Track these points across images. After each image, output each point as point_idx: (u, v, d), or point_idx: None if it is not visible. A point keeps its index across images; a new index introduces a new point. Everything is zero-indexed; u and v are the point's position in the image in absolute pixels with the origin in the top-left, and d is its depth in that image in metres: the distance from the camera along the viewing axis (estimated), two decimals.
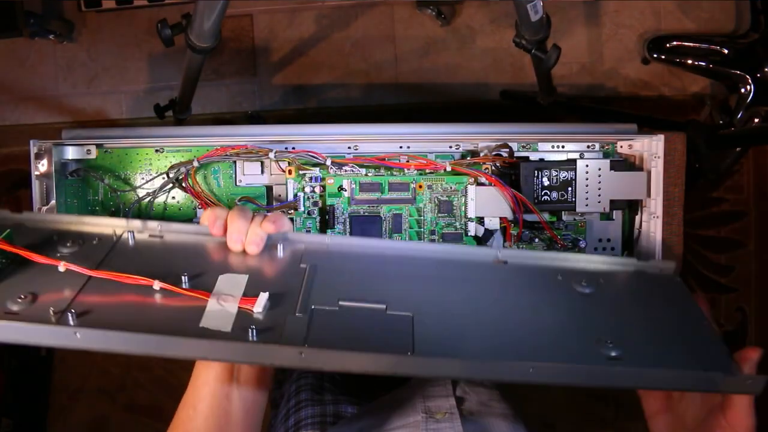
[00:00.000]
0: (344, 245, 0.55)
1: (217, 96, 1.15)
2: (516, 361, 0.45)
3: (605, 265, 0.56)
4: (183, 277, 0.49)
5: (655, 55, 1.12)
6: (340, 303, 0.49)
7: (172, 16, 0.79)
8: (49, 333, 0.45)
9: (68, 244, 0.51)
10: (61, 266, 0.47)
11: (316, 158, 0.66)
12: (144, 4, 1.11)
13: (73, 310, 0.46)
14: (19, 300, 0.47)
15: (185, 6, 1.07)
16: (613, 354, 0.47)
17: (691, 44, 1.11)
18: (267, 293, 0.48)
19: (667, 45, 1.11)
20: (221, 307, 0.47)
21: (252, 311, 0.47)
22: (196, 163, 0.66)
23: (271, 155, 0.65)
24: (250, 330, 0.45)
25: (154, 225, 0.54)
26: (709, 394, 0.48)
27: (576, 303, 0.52)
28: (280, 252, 0.53)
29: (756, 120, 1.07)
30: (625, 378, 0.46)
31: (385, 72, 1.14)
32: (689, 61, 1.11)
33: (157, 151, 0.69)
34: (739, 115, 1.09)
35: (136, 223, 0.54)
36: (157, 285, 0.47)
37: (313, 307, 0.48)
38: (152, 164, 0.70)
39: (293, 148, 0.66)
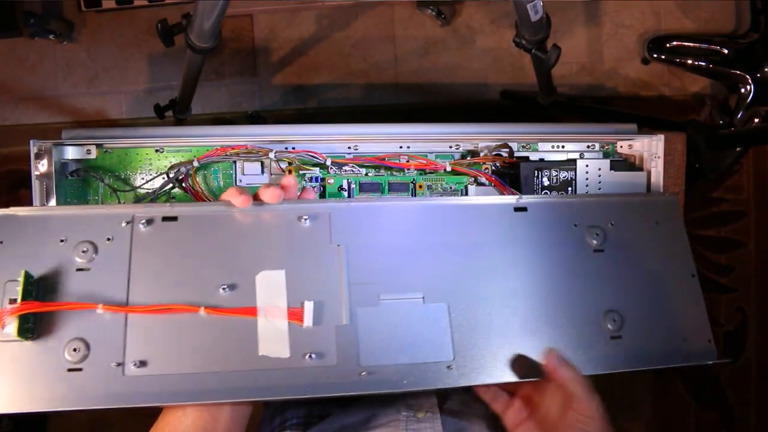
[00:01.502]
0: (368, 207, 0.54)
1: (217, 96, 1.15)
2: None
3: (616, 199, 0.58)
4: (222, 291, 0.48)
5: (655, 55, 1.12)
6: (381, 299, 0.50)
7: (172, 16, 0.79)
8: (120, 392, 0.47)
9: (83, 252, 0.50)
10: (100, 309, 0.47)
11: (316, 158, 0.66)
12: (144, 4, 1.11)
13: (137, 361, 0.47)
14: (74, 351, 0.47)
15: (185, 6, 1.07)
16: (615, 330, 0.52)
17: (691, 44, 1.11)
18: (312, 303, 0.48)
19: (667, 45, 1.11)
20: (272, 325, 0.48)
21: (302, 325, 0.48)
22: (196, 163, 0.66)
23: (271, 155, 0.65)
24: (307, 357, 0.47)
25: (164, 208, 0.52)
26: (564, 391, 0.49)
27: (590, 263, 0.54)
28: (306, 224, 0.52)
29: (756, 120, 1.07)
30: (623, 363, 0.52)
31: (385, 72, 1.14)
32: (689, 61, 1.11)
33: (157, 151, 0.69)
34: (739, 115, 1.09)
35: (146, 209, 0.52)
36: (203, 312, 0.48)
37: (357, 310, 0.49)
38: (152, 164, 0.70)
39: (293, 148, 0.66)
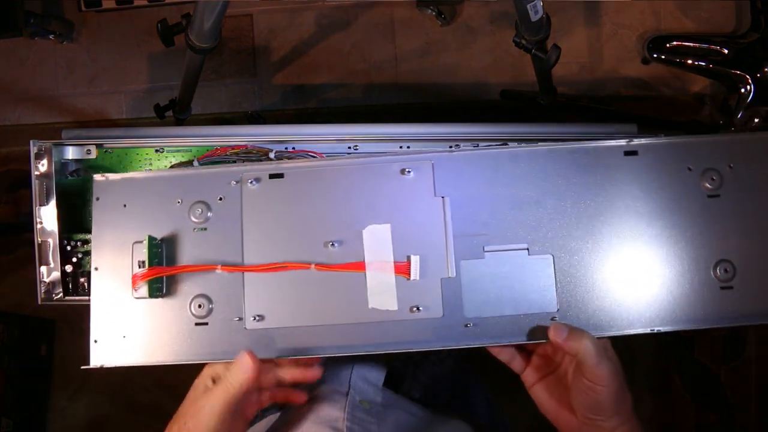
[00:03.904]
0: (471, 155, 0.54)
1: (217, 96, 1.15)
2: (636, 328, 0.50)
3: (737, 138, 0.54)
4: (330, 246, 0.50)
5: (655, 55, 1.12)
6: (486, 251, 0.51)
7: (172, 16, 0.79)
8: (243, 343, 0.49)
9: (198, 212, 0.53)
10: (219, 269, 0.51)
11: (316, 158, 0.66)
12: (144, 4, 1.11)
13: (255, 315, 0.50)
14: (199, 307, 0.51)
15: (185, 6, 1.07)
16: (726, 280, 0.50)
17: (691, 44, 1.10)
18: (418, 257, 0.49)
19: (667, 45, 1.11)
20: (380, 279, 0.49)
21: (409, 278, 0.49)
22: (196, 163, 0.66)
23: (271, 155, 0.65)
24: (414, 309, 0.49)
25: (270, 165, 0.54)
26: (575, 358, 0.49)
27: (703, 209, 0.52)
28: (410, 176, 0.52)
29: (756, 120, 1.07)
30: (734, 317, 0.49)
31: (385, 72, 1.14)
32: (689, 61, 1.11)
33: (157, 151, 0.69)
34: (739, 115, 1.09)
35: (254, 168, 0.54)
36: (313, 268, 0.50)
37: (461, 262, 0.50)
38: (152, 164, 0.70)
39: (293, 148, 0.66)
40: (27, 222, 0.66)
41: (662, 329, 0.50)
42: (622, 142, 0.53)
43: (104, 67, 1.15)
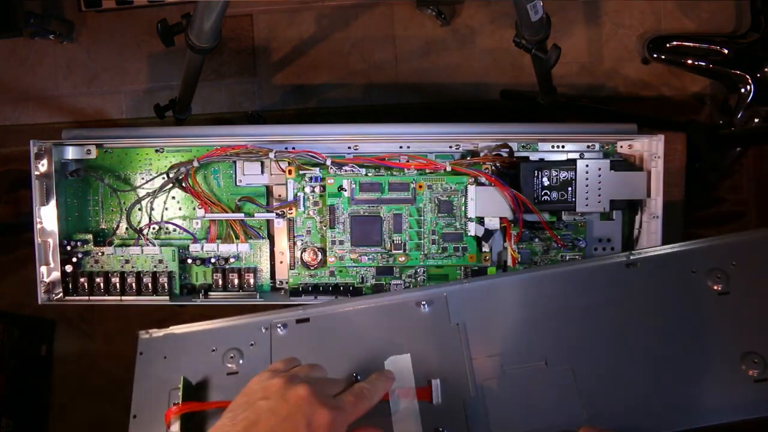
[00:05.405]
0: (483, 286, 0.56)
1: (217, 96, 1.15)
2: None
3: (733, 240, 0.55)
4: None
5: (655, 55, 1.12)
6: (505, 369, 0.52)
7: (172, 16, 0.79)
8: None
9: (231, 357, 0.56)
10: None
11: (316, 158, 0.66)
12: (144, 4, 1.11)
13: None
14: None
15: (185, 6, 1.07)
16: (760, 372, 0.49)
17: (691, 44, 1.10)
18: (438, 381, 0.51)
19: (667, 45, 1.11)
20: (403, 406, 0.50)
21: (431, 402, 0.50)
22: (196, 163, 0.66)
23: (271, 155, 0.65)
24: (440, 430, 0.49)
25: (297, 312, 0.57)
26: None
27: (716, 307, 0.52)
28: (425, 309, 0.55)
29: (756, 120, 1.07)
30: None
31: (385, 72, 1.14)
32: (689, 61, 1.11)
33: (157, 151, 0.69)
34: (739, 115, 1.08)
35: (282, 315, 0.57)
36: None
37: (483, 383, 0.51)
38: (152, 164, 0.70)
39: (293, 148, 0.66)
40: (27, 222, 0.66)
41: (703, 424, 0.49)
42: (622, 257, 0.54)
43: (104, 67, 1.15)
